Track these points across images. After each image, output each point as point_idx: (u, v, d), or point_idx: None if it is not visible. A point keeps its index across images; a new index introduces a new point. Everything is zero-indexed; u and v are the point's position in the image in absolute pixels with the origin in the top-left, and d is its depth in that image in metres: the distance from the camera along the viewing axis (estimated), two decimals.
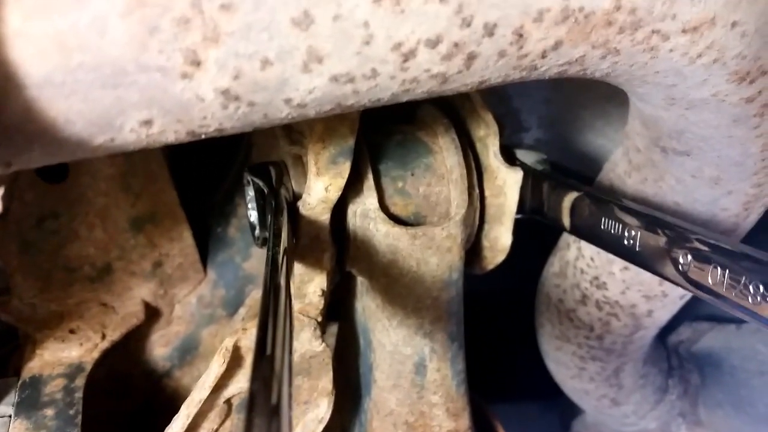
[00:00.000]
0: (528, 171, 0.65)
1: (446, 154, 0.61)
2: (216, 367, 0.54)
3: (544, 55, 0.38)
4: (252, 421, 0.28)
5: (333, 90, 0.35)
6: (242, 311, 0.83)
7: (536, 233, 0.74)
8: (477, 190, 0.63)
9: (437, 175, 0.61)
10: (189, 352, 0.85)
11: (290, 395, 0.30)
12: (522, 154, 0.68)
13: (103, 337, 0.76)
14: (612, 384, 0.90)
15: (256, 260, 0.84)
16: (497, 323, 1.13)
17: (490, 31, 0.35)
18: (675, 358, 1.02)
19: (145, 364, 0.84)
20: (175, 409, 0.59)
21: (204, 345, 0.85)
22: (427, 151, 0.61)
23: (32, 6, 0.28)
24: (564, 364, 0.90)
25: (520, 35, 0.36)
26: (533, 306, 0.91)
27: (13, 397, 0.69)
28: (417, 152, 0.61)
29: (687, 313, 0.97)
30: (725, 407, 1.01)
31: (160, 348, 0.84)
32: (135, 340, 0.82)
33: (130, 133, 0.33)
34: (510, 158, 0.66)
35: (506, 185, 0.64)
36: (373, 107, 0.40)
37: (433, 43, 0.34)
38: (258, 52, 0.31)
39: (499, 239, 0.67)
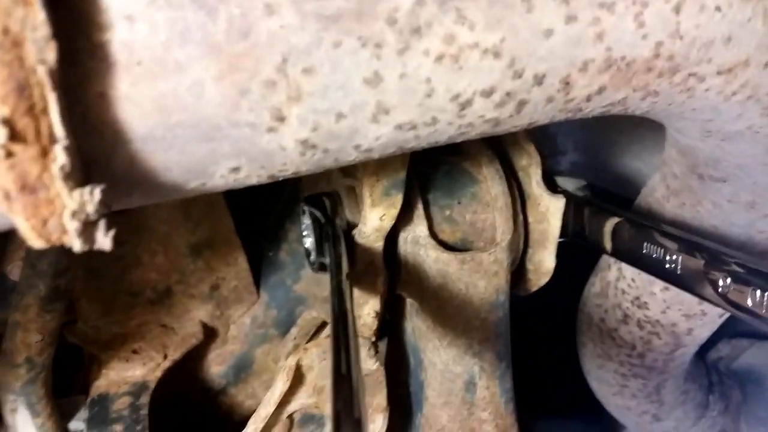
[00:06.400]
0: (569, 197, 0.68)
1: (491, 183, 0.64)
2: (281, 384, 0.58)
3: (588, 99, 0.41)
4: None
5: (397, 136, 0.39)
6: (294, 331, 0.87)
7: (574, 255, 0.77)
8: (521, 217, 0.66)
9: (483, 203, 0.64)
10: (243, 370, 0.88)
11: (366, 409, 0.33)
12: (562, 181, 0.70)
13: (165, 356, 0.81)
14: (653, 400, 0.92)
15: (305, 282, 0.87)
16: (539, 344, 1.15)
17: (539, 80, 0.38)
18: (715, 374, 1.03)
19: (202, 382, 0.88)
20: (230, 425, 0.62)
21: (257, 363, 0.89)
22: (472, 181, 0.65)
23: (139, 74, 0.32)
24: (606, 382, 0.92)
25: (567, 83, 0.39)
26: (574, 326, 0.93)
27: (83, 413, 0.74)
28: (463, 182, 0.65)
29: (726, 330, 0.98)
30: None
31: (216, 366, 0.88)
32: (193, 359, 0.86)
33: (219, 179, 0.37)
34: (552, 186, 0.68)
35: (549, 212, 0.67)
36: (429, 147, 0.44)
37: (488, 93, 0.38)
38: (334, 107, 0.35)
39: (543, 262, 0.70)
